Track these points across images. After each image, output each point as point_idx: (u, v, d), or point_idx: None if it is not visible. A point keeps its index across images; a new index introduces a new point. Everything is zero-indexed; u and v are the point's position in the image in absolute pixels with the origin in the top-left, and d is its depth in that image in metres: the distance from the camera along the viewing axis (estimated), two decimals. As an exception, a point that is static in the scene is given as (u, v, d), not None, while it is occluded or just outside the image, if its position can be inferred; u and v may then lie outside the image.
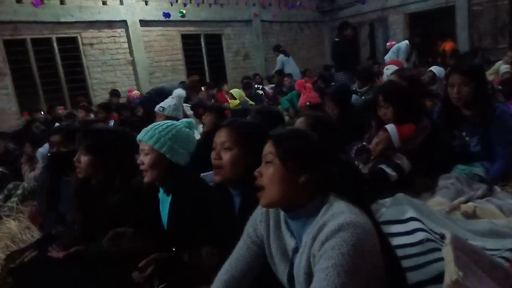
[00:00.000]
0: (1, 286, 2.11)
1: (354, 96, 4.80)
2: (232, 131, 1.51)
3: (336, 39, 6.41)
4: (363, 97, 4.71)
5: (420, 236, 1.51)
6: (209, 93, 7.48)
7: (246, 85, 8.09)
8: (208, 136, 3.09)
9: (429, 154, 2.34)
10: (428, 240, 1.48)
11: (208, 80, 9.62)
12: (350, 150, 2.68)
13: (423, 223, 1.60)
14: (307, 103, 3.72)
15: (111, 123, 5.71)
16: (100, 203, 1.88)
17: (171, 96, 3.42)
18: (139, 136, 1.75)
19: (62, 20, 7.43)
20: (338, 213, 1.04)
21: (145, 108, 6.15)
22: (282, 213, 1.22)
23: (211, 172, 1.84)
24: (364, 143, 2.61)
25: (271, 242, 1.23)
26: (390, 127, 2.38)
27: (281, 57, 9.09)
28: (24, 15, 6.99)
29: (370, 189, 1.95)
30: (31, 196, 3.61)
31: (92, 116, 6.28)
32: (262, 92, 8.40)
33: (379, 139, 2.39)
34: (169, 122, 1.81)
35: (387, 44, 8.99)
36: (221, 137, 1.52)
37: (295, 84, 5.96)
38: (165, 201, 1.76)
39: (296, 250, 1.16)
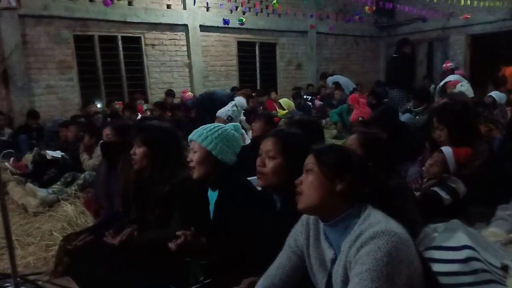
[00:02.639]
0: (57, 265, 2.27)
1: (407, 115, 4.71)
2: (277, 140, 1.57)
3: (394, 55, 6.31)
4: (417, 117, 4.61)
5: (474, 265, 1.46)
6: (259, 100, 7.59)
7: (296, 95, 8.12)
8: (256, 141, 3.16)
9: (486, 181, 2.24)
10: (483, 270, 1.43)
11: (258, 87, 9.75)
12: (402, 171, 2.62)
13: (478, 253, 1.55)
14: (360, 118, 3.67)
15: (164, 121, 5.93)
16: (152, 194, 2.01)
17: (233, 104, 3.51)
18: (190, 136, 1.87)
19: (129, 20, 7.82)
20: (375, 222, 1.08)
21: (196, 109, 6.37)
22: (321, 224, 1.26)
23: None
24: (416, 165, 2.55)
25: (310, 253, 1.27)
26: (446, 149, 2.31)
27: (329, 78, 9.10)
28: (95, 13, 7.43)
29: (422, 212, 1.91)
30: (90, 186, 3.80)
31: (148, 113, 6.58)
32: (311, 103, 8.40)
33: (433, 160, 2.32)
34: (217, 124, 1.95)
35: (443, 65, 8.70)
36: (267, 145, 1.58)
37: (348, 98, 5.90)
38: (212, 198, 1.85)
39: (334, 260, 1.19)
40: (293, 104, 7.42)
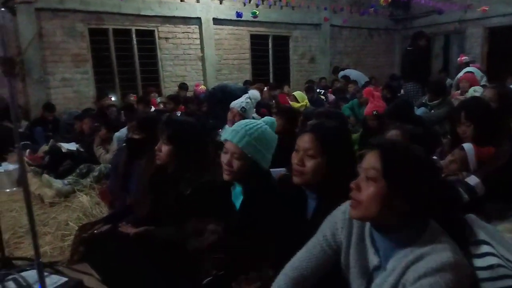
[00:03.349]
0: (73, 254, 2.31)
1: (422, 109, 4.64)
2: (316, 137, 1.47)
3: (409, 48, 6.23)
4: (432, 111, 4.54)
5: (490, 260, 1.44)
6: (271, 93, 7.56)
7: (309, 89, 8.07)
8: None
9: (507, 179, 2.18)
10: (499, 265, 1.41)
11: (271, 80, 9.71)
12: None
13: (494, 248, 1.52)
14: (374, 112, 3.60)
15: (178, 114, 5.96)
16: (172, 192, 1.96)
17: (247, 96, 3.50)
18: (228, 136, 1.73)
19: (143, 13, 7.85)
20: (440, 249, 0.97)
21: (209, 103, 6.39)
22: (368, 225, 1.14)
23: (279, 169, 1.88)
24: (435, 157, 2.51)
25: (350, 253, 1.17)
26: (468, 146, 2.23)
27: (341, 73, 9.07)
28: (109, 6, 7.49)
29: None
30: (105, 178, 3.85)
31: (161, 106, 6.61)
32: (324, 97, 8.34)
33: (454, 157, 2.26)
34: (258, 124, 1.78)
35: (458, 59, 8.54)
36: (305, 142, 1.48)
37: (363, 91, 5.84)
38: (238, 194, 1.78)
39: (377, 268, 1.10)
40: (306, 97, 7.37)
